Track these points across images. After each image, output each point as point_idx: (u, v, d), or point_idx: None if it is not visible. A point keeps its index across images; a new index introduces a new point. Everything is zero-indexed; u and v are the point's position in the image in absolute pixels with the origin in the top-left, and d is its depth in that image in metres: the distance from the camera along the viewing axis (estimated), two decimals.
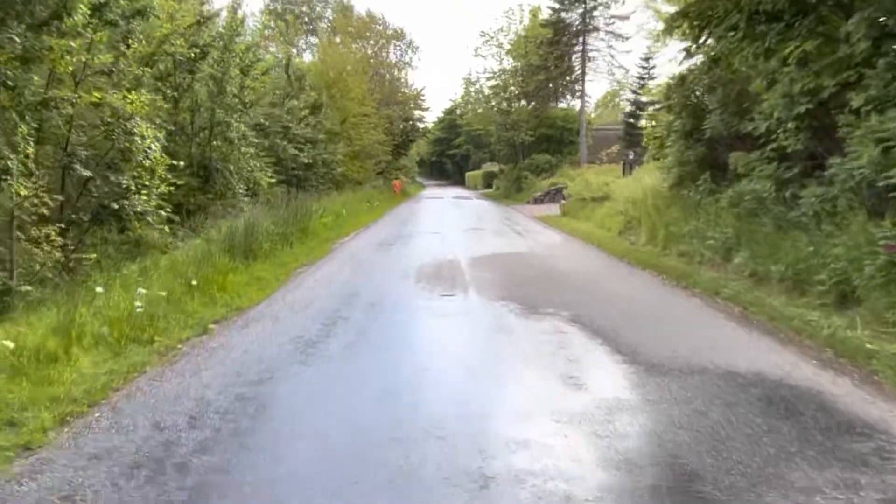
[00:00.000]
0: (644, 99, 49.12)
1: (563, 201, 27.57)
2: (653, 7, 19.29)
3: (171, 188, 12.44)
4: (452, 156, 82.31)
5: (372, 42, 52.33)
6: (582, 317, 7.42)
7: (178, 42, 15.33)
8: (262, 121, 20.48)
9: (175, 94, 16.20)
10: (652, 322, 7.34)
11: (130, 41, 12.13)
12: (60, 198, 9.41)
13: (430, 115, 69.47)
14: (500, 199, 40.92)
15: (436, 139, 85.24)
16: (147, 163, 11.18)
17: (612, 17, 39.83)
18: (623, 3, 39.43)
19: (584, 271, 11.23)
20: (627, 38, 40.82)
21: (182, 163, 16.39)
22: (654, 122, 16.14)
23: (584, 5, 40.06)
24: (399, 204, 36.10)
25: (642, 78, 48.83)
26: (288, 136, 23.65)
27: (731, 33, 9.97)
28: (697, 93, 12.23)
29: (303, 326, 7.20)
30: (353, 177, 34.81)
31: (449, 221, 22.52)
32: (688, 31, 11.59)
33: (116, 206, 10.51)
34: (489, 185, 58.32)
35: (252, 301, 8.69)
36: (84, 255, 9.60)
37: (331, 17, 52.21)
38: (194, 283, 8.69)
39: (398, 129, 50.81)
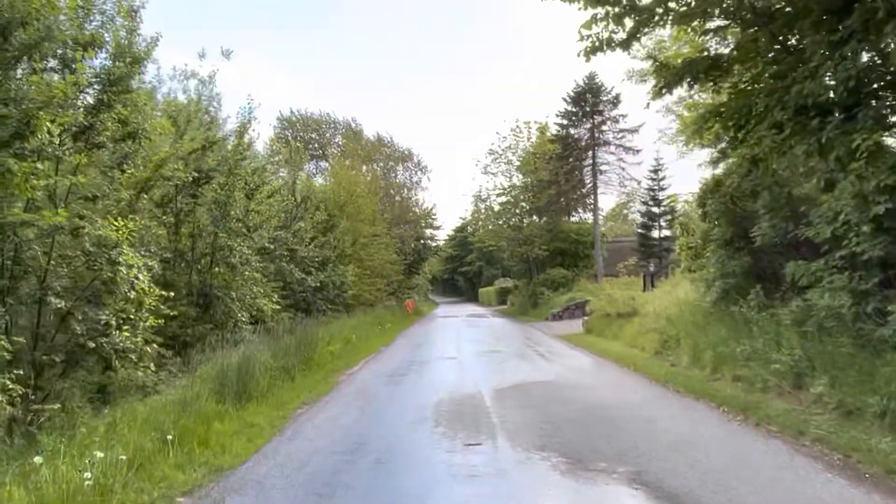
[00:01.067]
0: (655, 210, 49.20)
1: (585, 317, 26.17)
2: (676, 112, 18.71)
3: (163, 321, 11.35)
4: (465, 273, 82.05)
5: (381, 164, 53.11)
6: (645, 474, 5.89)
7: (179, 166, 14.76)
8: (267, 244, 19.62)
9: (175, 219, 15.48)
10: (736, 480, 5.77)
11: (125, 165, 11.43)
12: (22, 340, 8.19)
13: (442, 234, 69.48)
14: (517, 315, 39.53)
15: (448, 256, 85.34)
16: (132, 294, 10.11)
17: (622, 130, 40.04)
18: (627, 116, 40.02)
19: (629, 404, 9.68)
20: (638, 151, 40.89)
21: (181, 291, 15.66)
22: (685, 232, 15.04)
23: (591, 121, 40.43)
24: (412, 324, 34.77)
25: (652, 189, 48.94)
26: (295, 259, 22.79)
27: (775, 131, 9.00)
28: (735, 197, 11.13)
29: (292, 499, 5.71)
30: (364, 298, 33.74)
31: (466, 343, 21.09)
32: (722, 131, 10.69)
33: (94, 345, 9.33)
34: (503, 302, 57.18)
35: (238, 458, 7.21)
36: (46, 407, 8.24)
37: (341, 142, 53.18)
38: (171, 436, 7.26)
39: (410, 249, 50.40)
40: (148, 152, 13.98)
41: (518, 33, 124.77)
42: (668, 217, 49.66)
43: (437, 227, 59.51)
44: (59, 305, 8.95)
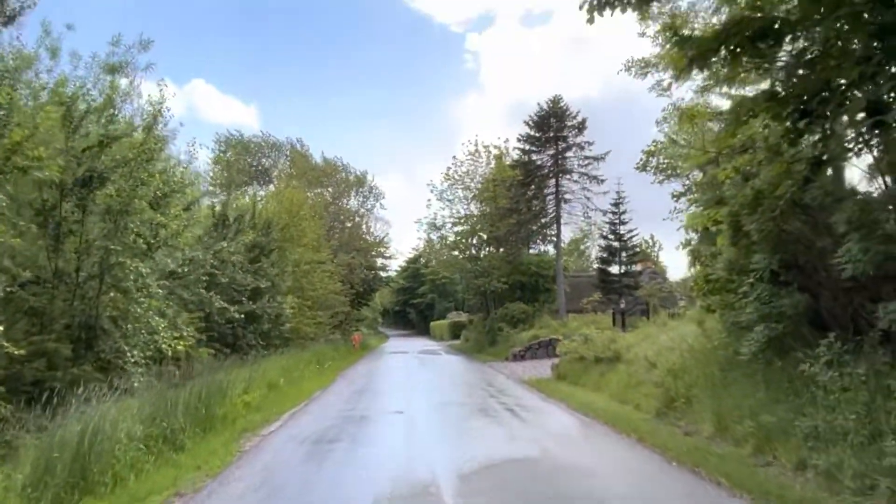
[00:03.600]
0: (616, 245, 46.99)
1: (554, 360, 23.15)
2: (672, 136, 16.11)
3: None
4: (417, 305, 78.92)
5: (331, 189, 49.70)
6: None
7: (58, 161, 11.49)
8: (178, 267, 16.09)
9: (57, 231, 12.07)
10: None
11: None
12: None
13: (395, 264, 66.13)
14: (473, 353, 36.34)
15: (399, 288, 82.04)
16: None
17: (587, 157, 37.68)
18: (593, 143, 37.71)
19: None
20: (603, 181, 38.51)
21: (53, 323, 12.22)
22: (697, 261, 12.13)
23: (555, 146, 37.99)
24: (357, 361, 31.22)
25: (613, 223, 46.80)
26: (218, 286, 19.26)
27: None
28: (783, 214, 8.24)
29: None
30: (304, 332, 30.07)
31: (418, 390, 17.78)
32: (772, 123, 7.87)
33: None
34: (457, 336, 54.06)
35: None
36: None
37: (287, 166, 49.56)
38: None
39: (359, 278, 46.90)
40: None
41: (482, 60, 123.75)
42: (631, 252, 47.67)
43: (390, 257, 56.12)
44: None
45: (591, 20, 7.81)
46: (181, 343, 15.34)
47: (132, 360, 12.50)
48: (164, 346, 13.52)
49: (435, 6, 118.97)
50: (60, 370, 11.77)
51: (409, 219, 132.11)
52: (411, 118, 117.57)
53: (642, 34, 9.83)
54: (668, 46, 8.92)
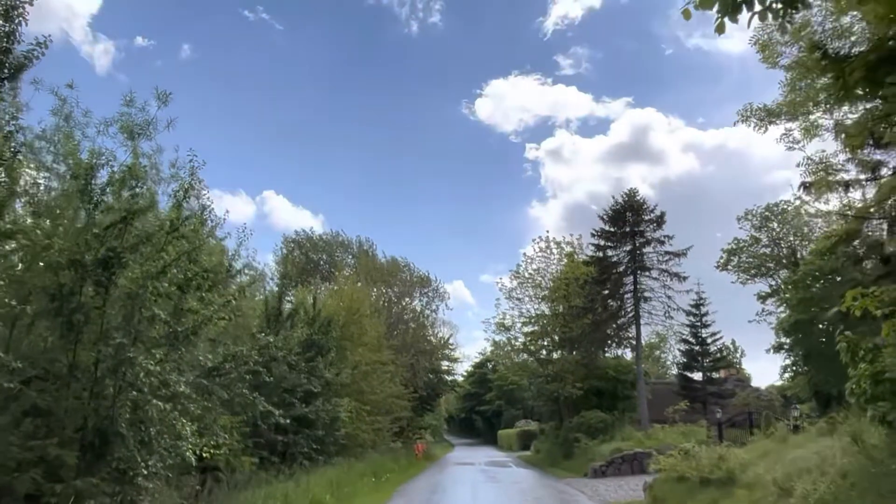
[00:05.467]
0: (697, 349, 43.26)
1: (642, 478, 19.95)
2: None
3: None
4: (483, 412, 75.31)
5: (396, 289, 48.33)
6: None
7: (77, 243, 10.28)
8: (218, 364, 14.24)
9: (70, 319, 10.63)
10: None
11: None
12: None
13: (461, 368, 63.31)
14: (546, 466, 32.85)
15: (465, 394, 78.80)
16: None
17: (667, 253, 35.08)
18: (673, 237, 35.25)
19: None
20: (685, 278, 35.69)
21: (59, 424, 10.64)
22: (854, 354, 9.42)
23: (632, 242, 35.63)
24: (419, 474, 28.36)
25: (695, 326, 43.46)
26: (265, 386, 17.41)
27: None
28: None
29: None
30: (361, 439, 27.59)
31: None
32: None
33: None
34: (526, 447, 50.20)
35: None
36: None
37: (352, 263, 48.77)
38: None
39: (422, 382, 44.49)
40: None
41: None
42: (714, 358, 43.83)
43: (456, 360, 53.51)
44: None
45: (720, 28, 5.90)
46: (218, 451, 13.41)
47: (145, 473, 10.53)
48: (188, 453, 11.51)
49: (495, 118, 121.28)
50: (62, 482, 9.98)
51: (470, 329, 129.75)
52: (472, 227, 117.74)
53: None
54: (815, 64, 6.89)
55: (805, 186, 13.77)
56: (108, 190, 11.52)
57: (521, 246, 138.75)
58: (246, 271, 23.00)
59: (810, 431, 14.00)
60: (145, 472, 10.54)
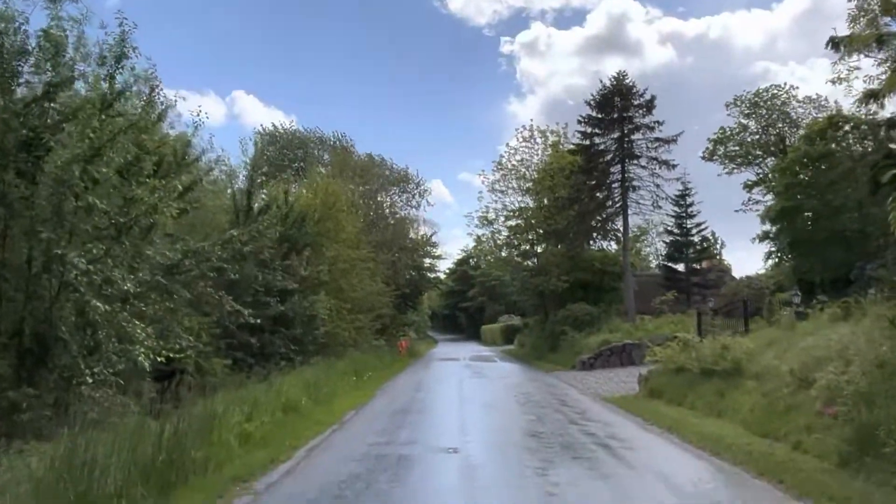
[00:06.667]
0: (681, 240, 42.45)
1: (634, 369, 19.29)
2: None
3: None
4: (466, 308, 75.48)
5: (374, 186, 46.36)
6: None
7: None
8: (176, 257, 12.69)
9: None
10: None
11: None
12: None
13: (443, 265, 62.30)
14: (532, 360, 32.53)
15: (448, 291, 78.63)
16: None
17: (657, 139, 33.43)
18: (663, 123, 33.50)
19: None
20: (675, 166, 34.27)
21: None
22: None
23: (620, 129, 33.84)
24: (402, 371, 27.77)
25: (680, 216, 42.37)
26: (234, 284, 16.05)
27: None
28: None
29: None
30: (343, 337, 26.67)
31: (474, 413, 14.26)
32: None
33: None
34: (510, 341, 50.27)
35: None
36: None
37: (328, 159, 46.51)
38: None
39: (404, 280, 43.48)
40: None
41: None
42: (699, 249, 43.07)
43: (438, 257, 52.39)
44: None
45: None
46: (182, 354, 12.16)
47: (90, 381, 9.25)
48: (141, 358, 10.19)
49: (468, 10, 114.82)
50: None
51: (451, 226, 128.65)
52: (448, 121, 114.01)
53: None
54: None
55: (834, 44, 12.17)
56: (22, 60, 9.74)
57: (499, 143, 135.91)
58: (215, 166, 21.21)
59: (820, 318, 13.04)
60: (90, 381, 9.28)
